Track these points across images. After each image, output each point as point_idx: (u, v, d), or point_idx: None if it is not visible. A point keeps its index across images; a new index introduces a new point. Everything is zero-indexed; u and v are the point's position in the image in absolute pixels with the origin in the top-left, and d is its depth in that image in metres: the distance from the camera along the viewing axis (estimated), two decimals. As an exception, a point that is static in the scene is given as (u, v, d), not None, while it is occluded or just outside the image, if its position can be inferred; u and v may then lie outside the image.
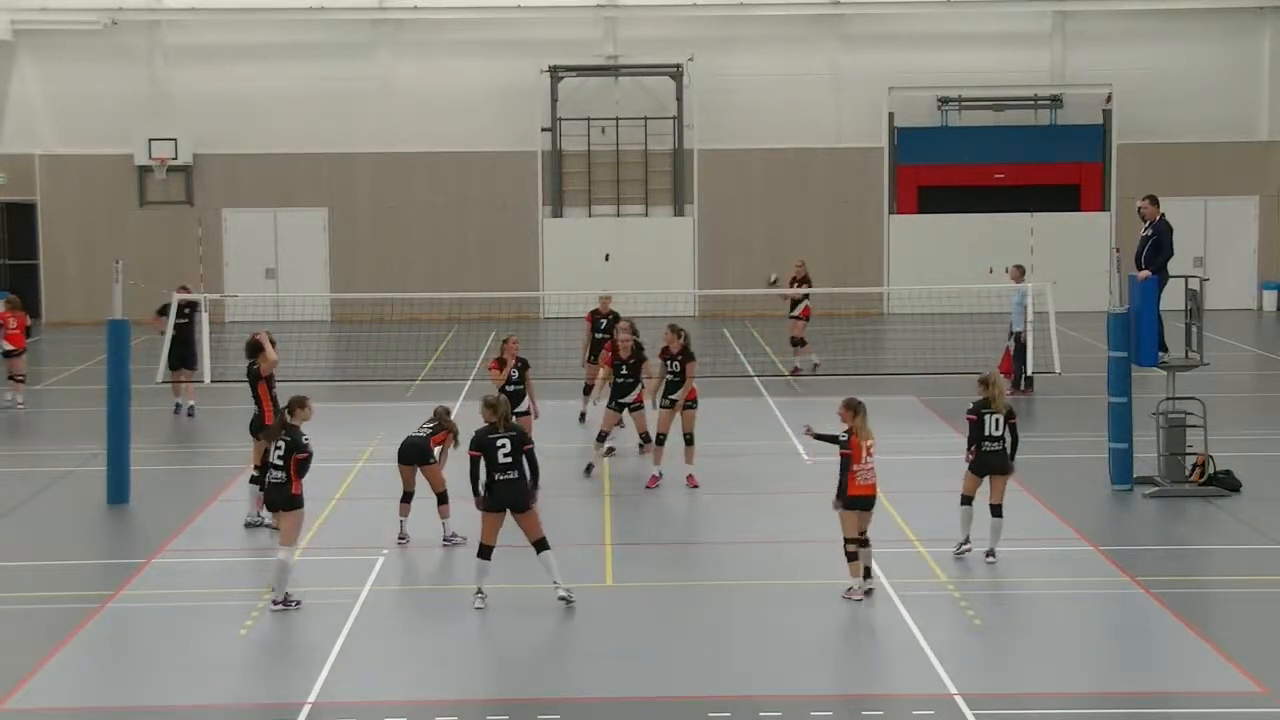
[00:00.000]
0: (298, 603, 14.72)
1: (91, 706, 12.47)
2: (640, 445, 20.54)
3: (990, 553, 16.01)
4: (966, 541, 16.32)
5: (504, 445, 14.40)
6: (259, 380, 17.52)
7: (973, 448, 16.09)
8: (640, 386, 20.30)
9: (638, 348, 20.16)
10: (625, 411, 20.30)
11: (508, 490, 14.43)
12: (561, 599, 14.55)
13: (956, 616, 14.36)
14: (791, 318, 28.75)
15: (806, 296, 28.50)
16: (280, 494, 14.79)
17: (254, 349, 17.64)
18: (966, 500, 16.29)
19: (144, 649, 13.82)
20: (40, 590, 15.55)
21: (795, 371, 28.65)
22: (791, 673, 13.00)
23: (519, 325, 34.16)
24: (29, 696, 12.56)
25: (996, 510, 16.04)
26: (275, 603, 14.64)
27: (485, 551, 14.60)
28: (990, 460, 16.04)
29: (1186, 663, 13.20)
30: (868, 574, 14.81)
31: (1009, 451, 16.10)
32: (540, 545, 14.58)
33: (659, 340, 20.25)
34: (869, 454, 14.71)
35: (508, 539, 14.73)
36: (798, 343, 28.66)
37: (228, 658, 13.52)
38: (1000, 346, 27.66)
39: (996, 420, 16.00)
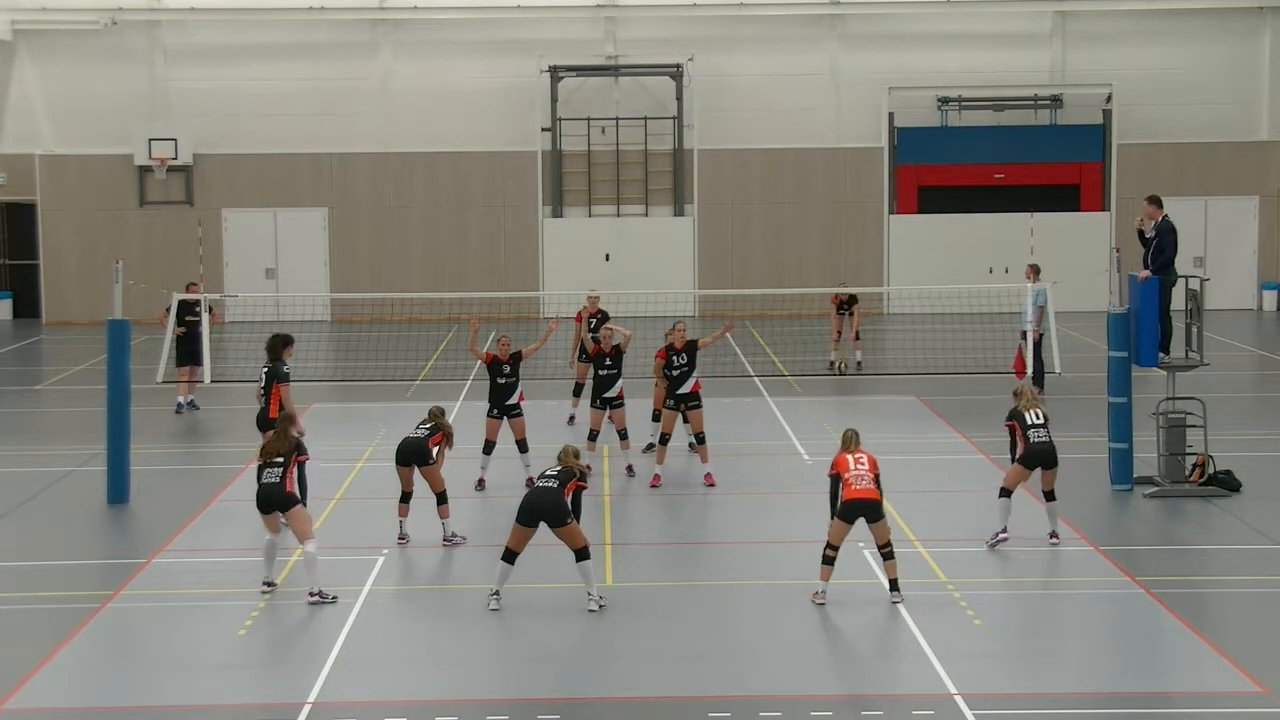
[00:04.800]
0: (334, 598, 14.80)
1: (91, 706, 12.47)
2: (620, 440, 20.50)
3: (1053, 534, 16.70)
4: (1004, 531, 16.64)
5: (552, 473, 14.66)
6: (275, 381, 17.85)
7: (1021, 444, 16.61)
8: (621, 382, 20.27)
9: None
10: (607, 408, 20.26)
11: (542, 496, 14.47)
12: (591, 611, 14.52)
13: (956, 616, 14.36)
14: (845, 314, 29.50)
15: (855, 300, 29.42)
16: (277, 493, 14.91)
17: (276, 348, 18.19)
18: (1006, 493, 16.71)
19: (144, 649, 13.83)
20: (40, 590, 15.56)
21: (832, 365, 29.33)
22: (791, 673, 13.00)
23: (519, 325, 34.16)
24: (29, 696, 12.58)
25: (1050, 495, 16.72)
26: (311, 594, 14.81)
27: (509, 556, 14.61)
28: (1040, 452, 16.51)
29: (1186, 663, 13.21)
30: (895, 587, 14.78)
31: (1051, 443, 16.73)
32: (580, 555, 14.54)
33: (660, 340, 20.27)
34: (858, 463, 14.75)
35: (503, 539, 14.74)
36: (856, 335, 29.60)
37: (228, 658, 13.53)
38: (1003, 345, 27.69)
39: (1035, 412, 16.67)
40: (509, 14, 39.73)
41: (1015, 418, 16.69)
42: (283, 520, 15.34)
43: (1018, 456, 16.66)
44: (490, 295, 36.27)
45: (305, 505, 15.68)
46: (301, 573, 15.13)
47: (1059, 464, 16.69)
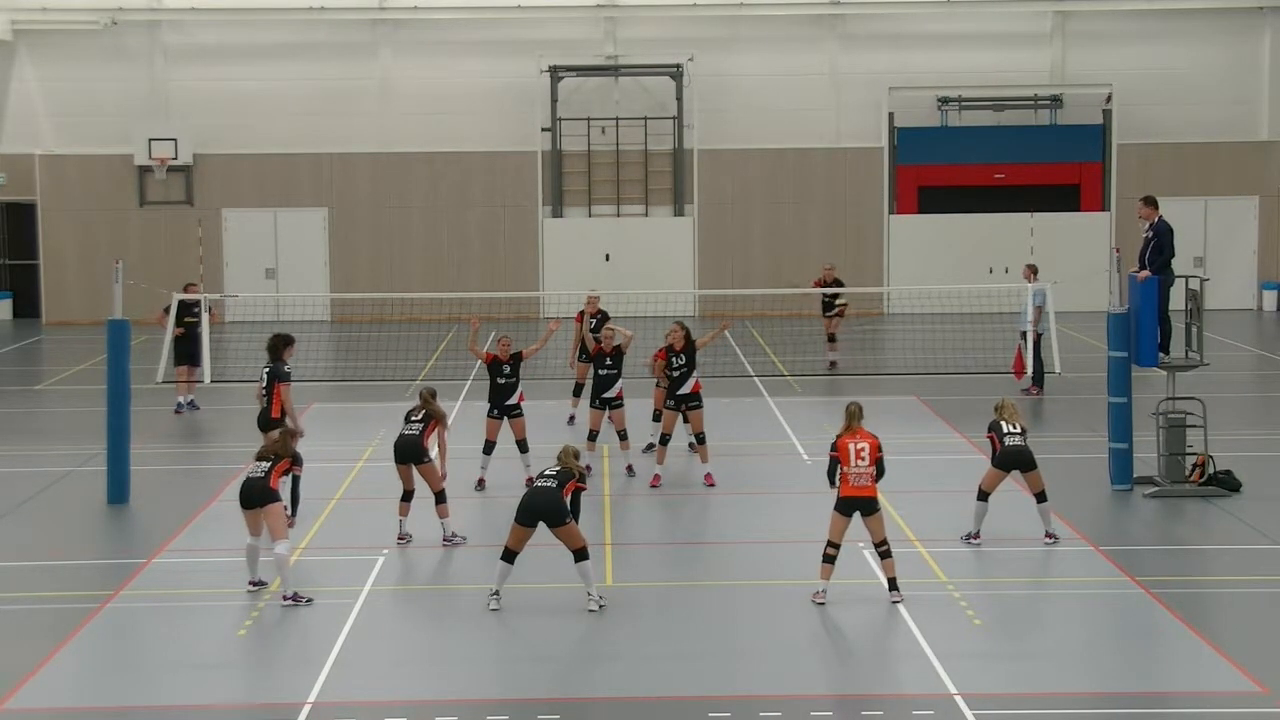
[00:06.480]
0: (309, 600, 14.78)
1: (91, 706, 12.48)
2: (620, 441, 20.48)
3: (1049, 534, 16.79)
4: (977, 535, 16.71)
5: (551, 473, 14.67)
6: (276, 381, 17.92)
7: (998, 449, 16.78)
8: (621, 382, 20.25)
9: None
10: (606, 408, 20.24)
11: (540, 497, 14.47)
12: (591, 611, 14.52)
13: (956, 616, 14.36)
14: (829, 316, 29.46)
15: (838, 296, 29.20)
16: (257, 489, 14.92)
17: (276, 348, 18.30)
18: (983, 495, 16.82)
19: (144, 649, 13.83)
20: (40, 590, 15.56)
21: (832, 365, 29.28)
22: (792, 673, 13.00)
23: (519, 325, 34.16)
24: (29, 696, 12.58)
25: (1041, 497, 16.81)
26: (285, 598, 14.74)
27: (509, 556, 14.61)
28: (1013, 455, 16.65)
29: (1186, 663, 13.22)
30: (894, 586, 14.78)
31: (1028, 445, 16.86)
32: (579, 555, 14.53)
33: (661, 340, 20.25)
34: (859, 456, 14.72)
35: (503, 539, 14.74)
36: (831, 339, 29.49)
37: (228, 658, 13.54)
38: (1003, 345, 27.66)
39: (1013, 423, 16.81)
40: (509, 14, 39.73)
41: (994, 429, 16.91)
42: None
43: (993, 460, 16.86)
44: (490, 295, 36.27)
45: (294, 517, 15.67)
46: (303, 576, 15.12)
47: (1038, 466, 16.75)
